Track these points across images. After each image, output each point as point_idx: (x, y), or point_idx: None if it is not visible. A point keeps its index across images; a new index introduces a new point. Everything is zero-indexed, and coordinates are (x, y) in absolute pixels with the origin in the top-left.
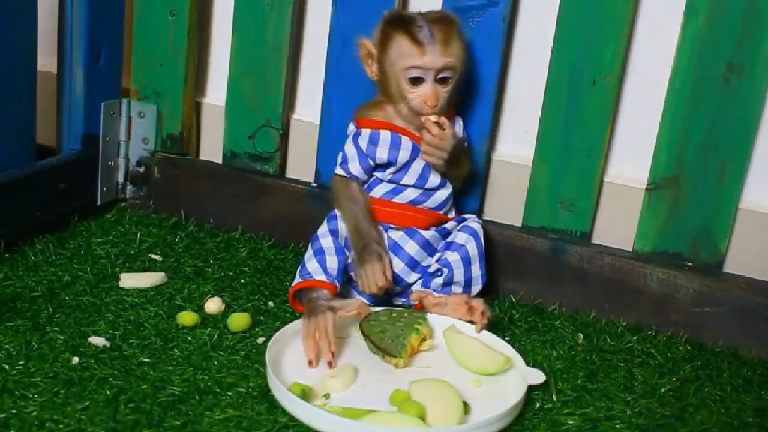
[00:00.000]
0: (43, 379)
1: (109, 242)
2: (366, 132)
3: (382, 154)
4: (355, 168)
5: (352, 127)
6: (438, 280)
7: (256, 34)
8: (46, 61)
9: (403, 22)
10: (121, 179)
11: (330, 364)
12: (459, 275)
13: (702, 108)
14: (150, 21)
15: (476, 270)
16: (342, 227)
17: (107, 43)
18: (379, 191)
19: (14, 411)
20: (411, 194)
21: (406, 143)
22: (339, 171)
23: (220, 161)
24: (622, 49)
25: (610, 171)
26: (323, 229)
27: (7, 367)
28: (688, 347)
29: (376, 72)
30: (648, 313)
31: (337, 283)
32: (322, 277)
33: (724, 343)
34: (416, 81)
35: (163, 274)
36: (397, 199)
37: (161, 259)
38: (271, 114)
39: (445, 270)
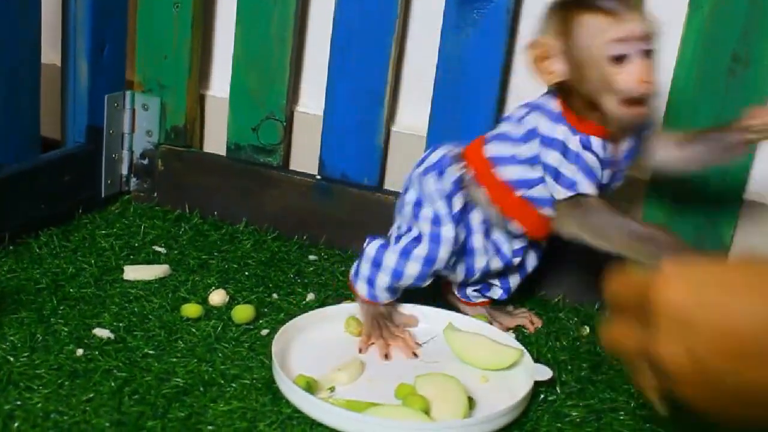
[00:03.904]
0: (47, 371)
1: (114, 235)
2: (598, 142)
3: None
4: (599, 176)
5: (563, 131)
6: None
7: (260, 26)
8: (50, 54)
9: (580, 1)
10: (125, 172)
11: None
12: (514, 283)
13: (707, 99)
14: (154, 13)
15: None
16: (444, 253)
17: (111, 35)
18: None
19: (19, 402)
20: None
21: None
22: (589, 190)
23: (224, 154)
24: None
25: None
26: (421, 251)
27: (11, 359)
28: None
29: (559, 69)
30: None
31: (398, 294)
32: (387, 299)
33: None
34: (620, 59)
35: (167, 266)
36: (541, 211)
37: (165, 251)
38: (275, 106)
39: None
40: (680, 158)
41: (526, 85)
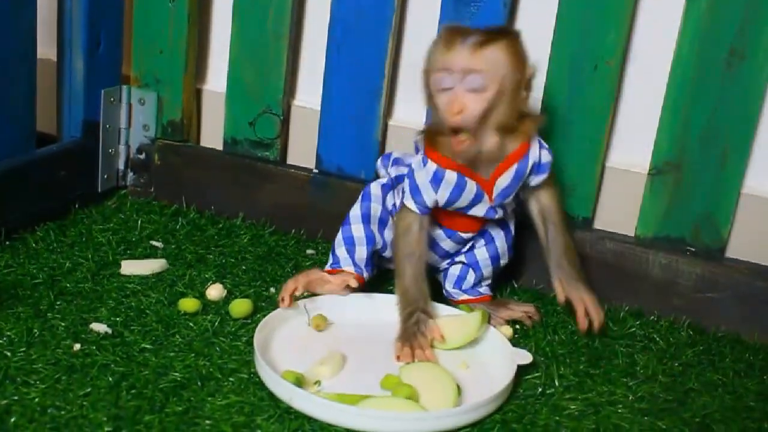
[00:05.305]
0: (44, 366)
1: (110, 229)
2: (432, 166)
3: (443, 197)
4: (430, 198)
5: (418, 152)
6: (470, 280)
7: (257, 21)
8: (46, 48)
9: (449, 30)
10: (121, 166)
11: (282, 300)
12: (488, 272)
13: (704, 93)
14: (150, 8)
15: (503, 260)
16: (375, 209)
17: (107, 30)
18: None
19: (16, 398)
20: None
21: (471, 187)
22: (410, 205)
23: (221, 148)
24: (624, 33)
25: (611, 156)
26: (355, 212)
27: (8, 354)
28: (690, 332)
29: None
30: (650, 299)
31: (365, 274)
32: (350, 268)
33: (726, 328)
34: (446, 89)
35: (164, 260)
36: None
37: (162, 246)
38: (271, 100)
39: (474, 272)
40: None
41: None
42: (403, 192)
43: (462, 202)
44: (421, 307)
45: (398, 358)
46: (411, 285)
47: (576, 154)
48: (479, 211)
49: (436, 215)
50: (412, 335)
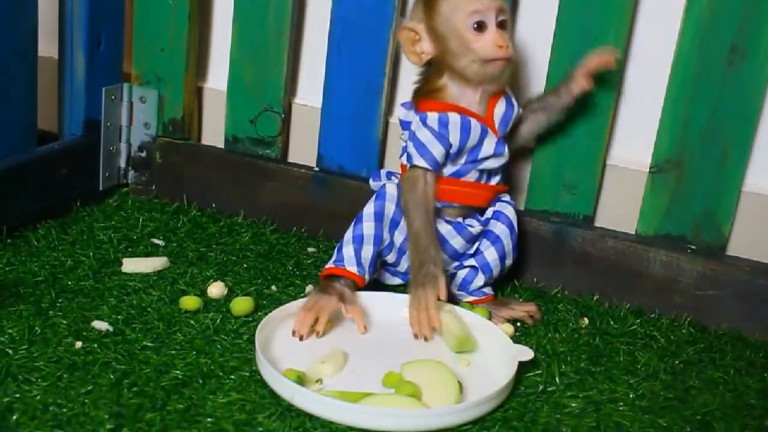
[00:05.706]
0: (46, 364)
1: (112, 227)
2: (433, 115)
3: (454, 139)
4: (438, 152)
5: (411, 115)
6: (478, 282)
7: (258, 19)
8: (46, 46)
9: None
10: (122, 164)
11: (301, 338)
12: (497, 272)
13: (705, 91)
14: (151, 6)
15: (509, 260)
16: (389, 208)
17: (108, 28)
18: (446, 171)
19: (18, 395)
20: (476, 175)
21: (475, 125)
22: (419, 162)
23: (222, 146)
24: (625, 31)
25: (612, 154)
26: (369, 210)
27: (10, 351)
28: (691, 330)
29: (426, 48)
30: (651, 296)
31: (366, 276)
32: (354, 269)
33: (727, 325)
34: (480, 27)
35: (165, 258)
36: (464, 179)
37: (164, 244)
38: (272, 98)
39: (483, 274)
40: (541, 123)
41: (525, 74)
42: (409, 156)
43: (472, 140)
44: (432, 257)
45: (414, 329)
46: (421, 231)
47: (577, 152)
48: (488, 148)
49: (451, 194)
50: (421, 285)
